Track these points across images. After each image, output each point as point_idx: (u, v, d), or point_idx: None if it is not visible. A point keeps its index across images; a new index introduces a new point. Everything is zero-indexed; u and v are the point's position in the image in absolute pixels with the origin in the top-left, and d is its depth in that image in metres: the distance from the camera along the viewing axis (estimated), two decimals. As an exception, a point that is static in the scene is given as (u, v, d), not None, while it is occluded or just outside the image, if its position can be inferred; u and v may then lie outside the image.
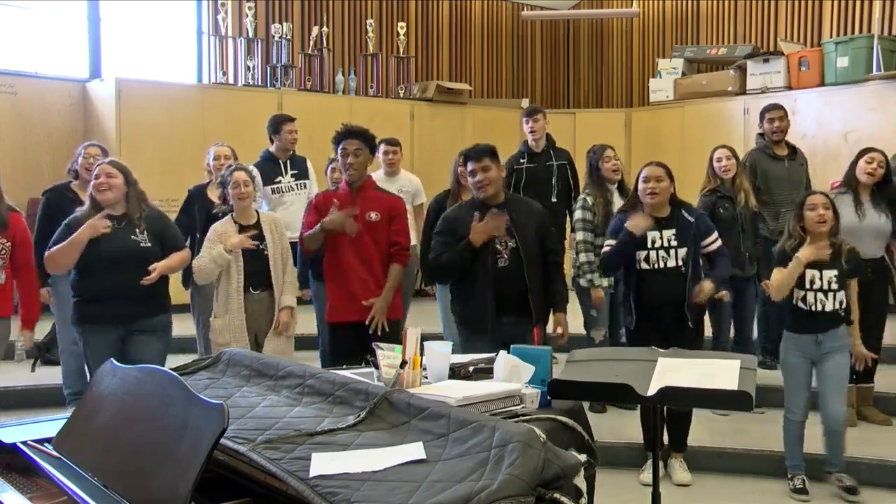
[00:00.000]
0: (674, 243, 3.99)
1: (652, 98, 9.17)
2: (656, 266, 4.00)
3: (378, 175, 5.59)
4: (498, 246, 3.87)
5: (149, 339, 3.92)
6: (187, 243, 4.49)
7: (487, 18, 10.31)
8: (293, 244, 4.97)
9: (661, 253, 3.98)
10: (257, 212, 4.47)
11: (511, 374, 2.53)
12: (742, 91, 8.22)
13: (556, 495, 1.71)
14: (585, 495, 1.84)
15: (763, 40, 8.82)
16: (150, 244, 3.91)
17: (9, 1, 7.40)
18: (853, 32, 7.97)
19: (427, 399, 2.10)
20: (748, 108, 8.04)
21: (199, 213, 4.96)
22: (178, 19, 8.33)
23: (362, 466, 1.76)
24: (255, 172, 4.82)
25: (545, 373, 2.58)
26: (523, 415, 2.32)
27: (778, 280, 3.88)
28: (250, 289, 4.28)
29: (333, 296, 4.19)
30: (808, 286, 3.88)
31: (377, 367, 2.54)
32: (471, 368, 2.73)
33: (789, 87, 7.88)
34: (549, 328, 4.03)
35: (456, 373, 2.66)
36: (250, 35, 8.00)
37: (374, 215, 4.11)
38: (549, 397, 2.52)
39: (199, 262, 4.26)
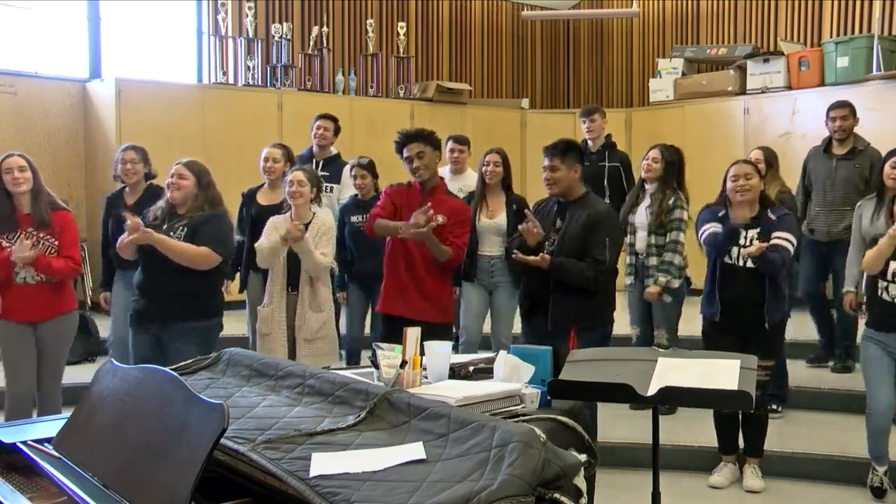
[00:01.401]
0: (756, 243, 3.95)
1: (652, 98, 9.17)
2: (737, 263, 4.00)
3: (444, 171, 5.61)
4: (548, 242, 3.92)
5: (182, 348, 3.72)
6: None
7: (487, 18, 10.31)
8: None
9: (743, 251, 3.97)
10: (314, 213, 4.48)
11: (511, 374, 2.53)
12: (742, 91, 8.21)
13: (556, 495, 1.71)
14: (585, 495, 1.84)
15: (763, 40, 8.82)
16: (180, 239, 3.89)
17: (9, 1, 7.40)
18: (853, 32, 7.97)
19: (427, 399, 2.10)
20: (748, 108, 8.04)
21: (246, 215, 5.10)
22: (178, 19, 8.33)
23: (362, 466, 1.76)
24: (317, 174, 4.78)
25: (545, 373, 2.59)
26: (523, 415, 2.32)
27: (870, 256, 3.81)
28: (289, 288, 4.36)
29: (396, 289, 4.18)
30: (890, 278, 3.80)
31: (377, 367, 2.54)
32: (471, 368, 2.73)
33: (789, 87, 7.87)
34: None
35: (456, 373, 2.67)
36: (250, 35, 8.00)
37: (441, 219, 4.05)
38: (549, 397, 2.52)
39: (260, 245, 4.37)
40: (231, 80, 8.04)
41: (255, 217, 4.99)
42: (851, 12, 8.13)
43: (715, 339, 4.01)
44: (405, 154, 4.12)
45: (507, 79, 10.49)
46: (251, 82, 7.99)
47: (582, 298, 3.85)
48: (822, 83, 7.64)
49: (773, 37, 8.73)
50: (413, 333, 2.51)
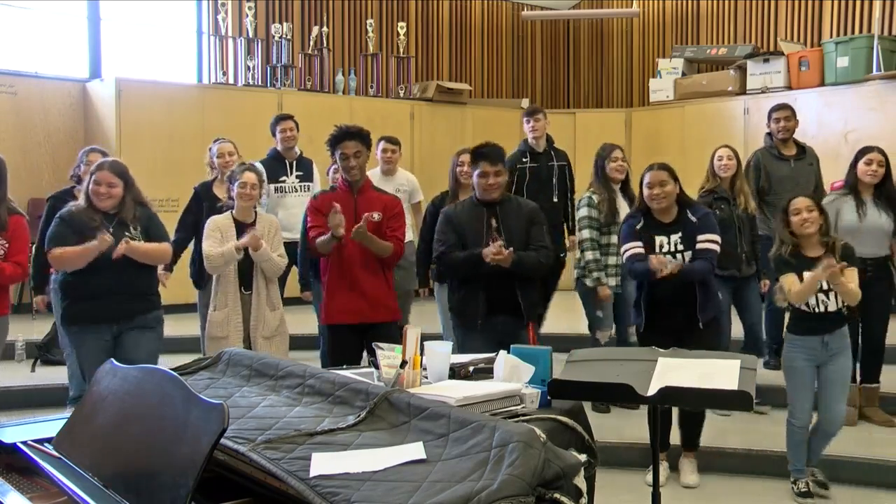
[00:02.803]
0: (680, 247, 3.97)
1: (652, 98, 9.17)
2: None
3: (374, 173, 5.58)
4: (489, 242, 3.90)
5: (141, 334, 3.93)
6: (193, 241, 4.56)
7: (487, 18, 10.31)
8: (293, 244, 4.96)
9: (669, 258, 3.95)
10: (255, 212, 4.48)
11: (511, 374, 2.53)
12: (742, 91, 8.22)
13: (557, 495, 1.71)
14: (585, 495, 1.84)
15: (763, 40, 8.82)
16: (142, 241, 3.94)
17: (9, 1, 7.40)
18: (853, 32, 7.97)
19: (427, 399, 2.10)
20: (748, 108, 8.04)
21: (206, 210, 4.94)
22: (178, 19, 8.33)
23: (362, 466, 1.76)
24: (264, 175, 4.77)
25: (545, 373, 2.58)
26: (523, 415, 2.32)
27: (797, 291, 3.80)
28: (241, 289, 4.35)
29: (332, 297, 4.14)
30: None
31: (377, 367, 2.54)
32: (471, 368, 2.73)
33: (789, 87, 7.88)
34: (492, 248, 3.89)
35: (456, 373, 2.66)
36: (250, 35, 8.00)
37: (376, 215, 4.08)
38: (549, 397, 2.52)
39: (211, 251, 4.28)
40: (231, 80, 8.05)
41: (218, 210, 4.76)
42: (851, 12, 8.14)
43: (647, 342, 3.86)
44: (341, 150, 4.06)
45: (507, 79, 10.49)
46: (251, 82, 8.00)
47: (539, 291, 3.99)
48: (822, 83, 7.65)
49: (773, 37, 8.73)
50: (413, 333, 2.51)
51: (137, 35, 8.11)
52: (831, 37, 8.06)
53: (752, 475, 4.26)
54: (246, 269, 4.35)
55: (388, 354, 2.51)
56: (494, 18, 10.37)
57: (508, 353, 2.62)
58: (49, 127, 7.39)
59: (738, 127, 8.09)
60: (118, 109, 7.06)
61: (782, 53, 8.00)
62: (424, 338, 2.57)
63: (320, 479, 1.70)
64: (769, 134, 5.60)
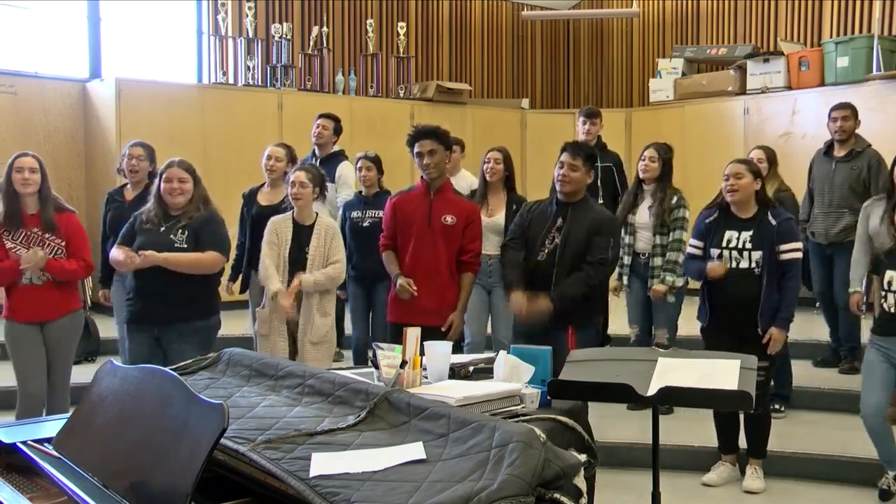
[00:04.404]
0: (748, 245, 3.94)
1: (652, 98, 9.17)
2: (729, 266, 3.97)
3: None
4: (547, 240, 3.93)
5: (182, 349, 3.77)
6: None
7: (487, 18, 10.31)
8: None
9: (735, 254, 3.96)
10: (317, 214, 4.43)
11: (511, 374, 2.53)
12: (742, 91, 8.21)
13: (556, 495, 1.71)
14: (585, 495, 1.84)
15: (763, 40, 8.82)
16: (185, 245, 3.90)
17: (9, 1, 7.40)
18: (853, 32, 7.97)
19: (427, 399, 2.10)
20: (748, 109, 8.04)
21: (247, 215, 5.07)
22: (178, 19, 8.33)
23: (362, 466, 1.76)
24: (317, 174, 4.70)
25: (545, 373, 2.59)
26: (523, 415, 2.32)
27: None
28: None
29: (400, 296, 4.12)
30: (886, 287, 3.80)
31: (377, 367, 2.54)
32: (471, 368, 2.73)
33: (789, 87, 7.87)
34: (520, 298, 3.93)
35: (456, 373, 2.66)
36: (250, 35, 8.00)
37: (450, 219, 4.06)
38: (549, 397, 2.52)
39: (264, 260, 4.32)
40: (231, 80, 8.04)
41: (255, 217, 4.98)
42: (851, 12, 8.13)
43: (710, 340, 4.04)
44: (417, 149, 4.07)
45: (507, 79, 10.49)
46: (251, 82, 7.99)
47: (581, 297, 3.89)
48: (822, 83, 7.65)
49: (773, 37, 8.73)
50: (413, 333, 2.51)
51: (137, 35, 8.11)
52: (831, 37, 8.05)
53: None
54: (296, 271, 4.27)
55: (388, 354, 2.51)
56: (494, 18, 10.36)
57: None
58: (49, 127, 7.38)
59: (738, 127, 8.09)
60: (118, 109, 7.06)
61: (782, 53, 8.00)
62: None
63: (320, 479, 1.70)
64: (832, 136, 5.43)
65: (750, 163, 4.10)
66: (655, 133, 8.77)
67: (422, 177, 4.16)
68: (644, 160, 4.92)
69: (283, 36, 8.19)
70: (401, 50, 8.93)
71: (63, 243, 4.07)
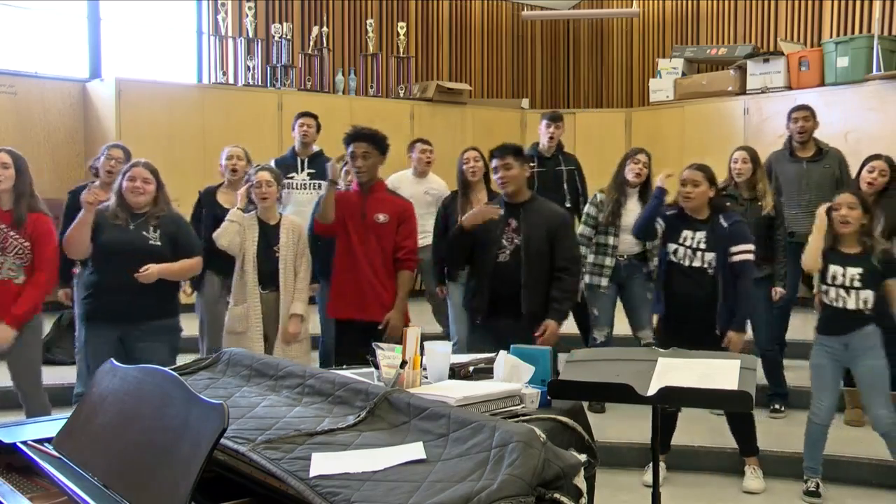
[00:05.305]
0: (702, 246, 4.02)
1: (652, 98, 9.17)
2: (683, 263, 4.05)
3: (408, 174, 5.79)
4: (504, 241, 3.93)
5: (152, 347, 3.78)
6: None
7: (487, 18, 10.31)
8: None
9: (688, 252, 4.04)
10: (280, 214, 4.48)
11: (511, 374, 2.53)
12: (742, 91, 8.21)
13: (556, 495, 1.71)
14: (585, 495, 1.84)
15: (763, 40, 8.82)
16: (159, 242, 3.89)
17: (9, 1, 7.40)
18: (853, 32, 7.96)
19: (427, 399, 2.10)
20: (748, 109, 8.04)
21: (206, 216, 4.89)
22: (178, 19, 8.33)
23: (362, 466, 1.76)
24: (280, 175, 4.70)
25: (545, 373, 2.59)
26: (523, 415, 2.32)
27: (807, 251, 4.01)
28: (259, 288, 4.32)
29: (339, 291, 4.19)
30: (829, 281, 3.87)
31: (377, 367, 2.54)
32: (471, 368, 2.73)
33: (789, 87, 7.87)
34: (554, 328, 3.93)
35: (456, 373, 2.66)
36: (250, 35, 8.00)
37: (381, 217, 4.13)
38: (549, 397, 2.52)
39: (220, 227, 4.34)
40: (231, 80, 8.04)
41: (218, 219, 4.66)
42: (851, 12, 8.13)
43: (667, 337, 4.00)
44: (351, 149, 4.13)
45: (507, 79, 10.49)
46: (251, 82, 7.99)
47: (548, 291, 3.94)
48: (822, 83, 7.64)
49: (773, 37, 8.73)
50: (413, 333, 2.51)
51: (137, 35, 8.11)
52: (831, 37, 8.05)
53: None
54: (266, 269, 4.32)
55: (388, 354, 2.51)
56: (494, 18, 10.37)
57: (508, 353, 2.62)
58: (49, 127, 7.39)
59: (738, 127, 8.08)
60: (118, 109, 7.06)
61: (782, 53, 8.00)
62: (424, 338, 2.57)
63: (320, 479, 1.70)
64: (790, 136, 5.52)
65: (706, 169, 4.10)
66: (655, 133, 8.80)
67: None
68: (638, 164, 4.97)
69: (283, 36, 8.19)
70: (401, 50, 8.93)
71: (28, 245, 3.89)
